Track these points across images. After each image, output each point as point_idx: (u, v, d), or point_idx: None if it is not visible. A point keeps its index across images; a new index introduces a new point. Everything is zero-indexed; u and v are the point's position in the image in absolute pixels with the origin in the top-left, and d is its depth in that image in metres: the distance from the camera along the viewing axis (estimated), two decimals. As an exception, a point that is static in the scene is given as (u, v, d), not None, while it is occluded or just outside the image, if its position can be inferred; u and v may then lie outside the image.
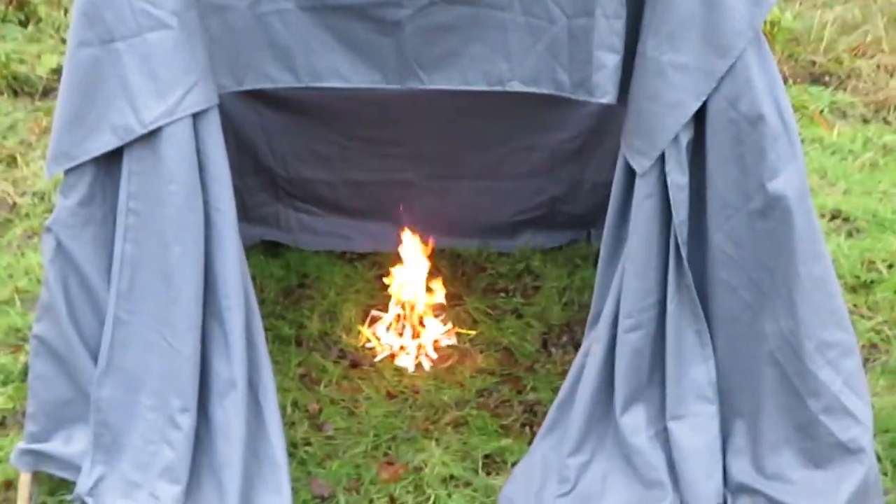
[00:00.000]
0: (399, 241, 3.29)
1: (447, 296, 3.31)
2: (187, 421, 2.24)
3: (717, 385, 2.31)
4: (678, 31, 2.09)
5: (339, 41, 2.28)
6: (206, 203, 2.22)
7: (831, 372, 2.19)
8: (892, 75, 5.31)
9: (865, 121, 4.98)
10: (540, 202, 3.61)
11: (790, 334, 2.20)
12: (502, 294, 3.44)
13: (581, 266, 3.52)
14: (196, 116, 2.16)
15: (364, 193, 3.57)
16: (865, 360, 2.77)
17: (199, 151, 2.19)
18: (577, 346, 2.71)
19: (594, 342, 2.40)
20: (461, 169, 3.51)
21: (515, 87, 2.30)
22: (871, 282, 3.43)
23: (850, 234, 3.81)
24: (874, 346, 3.09)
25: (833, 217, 3.93)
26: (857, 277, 3.46)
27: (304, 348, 3.13)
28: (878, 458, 2.35)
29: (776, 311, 2.21)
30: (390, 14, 2.23)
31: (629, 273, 2.29)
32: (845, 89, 5.27)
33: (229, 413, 2.25)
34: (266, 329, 2.42)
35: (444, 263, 3.53)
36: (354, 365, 3.06)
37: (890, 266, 3.52)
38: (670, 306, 2.28)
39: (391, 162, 3.50)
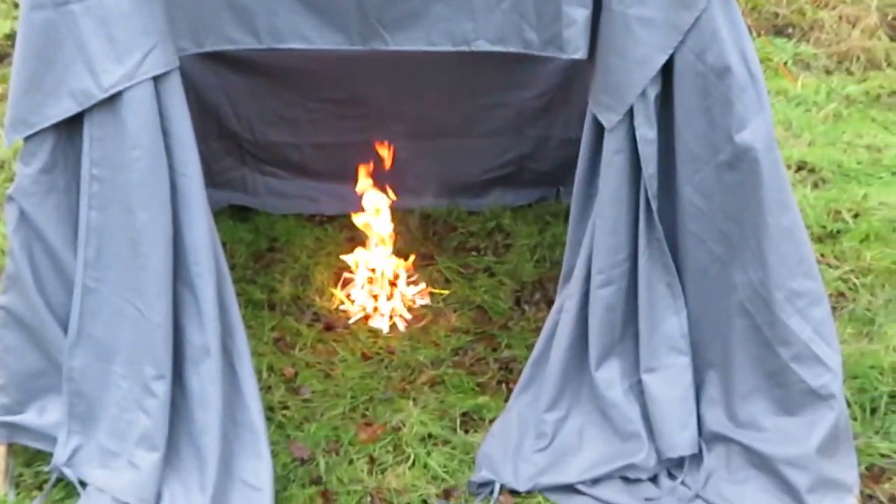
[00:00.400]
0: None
1: (419, 256, 3.30)
2: (162, 388, 2.22)
3: (690, 336, 2.34)
4: (643, -17, 2.08)
5: (300, 2, 2.22)
6: (171, 168, 2.18)
7: (801, 320, 2.21)
8: (853, 26, 5.34)
9: (828, 72, 5.02)
10: (508, 160, 3.61)
11: (760, 284, 2.22)
12: (474, 253, 3.45)
13: (551, 223, 3.53)
14: (157, 80, 2.11)
15: (330, 155, 3.54)
16: (833, 309, 2.80)
17: (161, 116, 2.14)
18: (549, 303, 2.72)
19: (567, 298, 2.41)
20: (427, 129, 3.49)
21: (482, 46, 2.26)
22: (838, 231, 3.48)
23: (815, 185, 3.85)
24: (841, 294, 3.13)
25: (799, 168, 3.97)
26: (824, 227, 3.50)
27: (278, 312, 3.11)
28: (848, 404, 2.39)
29: (745, 261, 2.23)
30: (351, -26, 2.19)
31: (600, 229, 2.30)
32: (808, 41, 5.30)
33: (204, 380, 2.23)
34: (238, 294, 2.40)
35: (414, 224, 3.52)
36: (328, 328, 3.06)
37: (855, 215, 3.57)
38: (641, 260, 2.29)
39: (357, 123, 3.46)
